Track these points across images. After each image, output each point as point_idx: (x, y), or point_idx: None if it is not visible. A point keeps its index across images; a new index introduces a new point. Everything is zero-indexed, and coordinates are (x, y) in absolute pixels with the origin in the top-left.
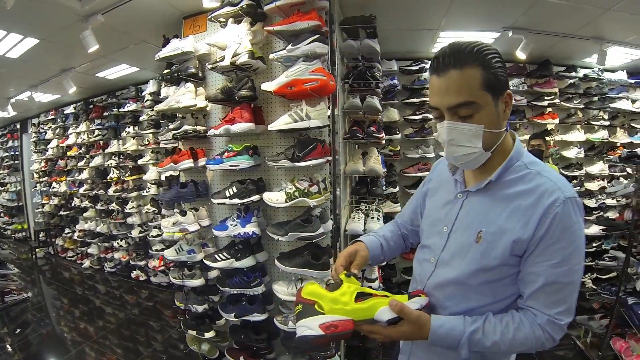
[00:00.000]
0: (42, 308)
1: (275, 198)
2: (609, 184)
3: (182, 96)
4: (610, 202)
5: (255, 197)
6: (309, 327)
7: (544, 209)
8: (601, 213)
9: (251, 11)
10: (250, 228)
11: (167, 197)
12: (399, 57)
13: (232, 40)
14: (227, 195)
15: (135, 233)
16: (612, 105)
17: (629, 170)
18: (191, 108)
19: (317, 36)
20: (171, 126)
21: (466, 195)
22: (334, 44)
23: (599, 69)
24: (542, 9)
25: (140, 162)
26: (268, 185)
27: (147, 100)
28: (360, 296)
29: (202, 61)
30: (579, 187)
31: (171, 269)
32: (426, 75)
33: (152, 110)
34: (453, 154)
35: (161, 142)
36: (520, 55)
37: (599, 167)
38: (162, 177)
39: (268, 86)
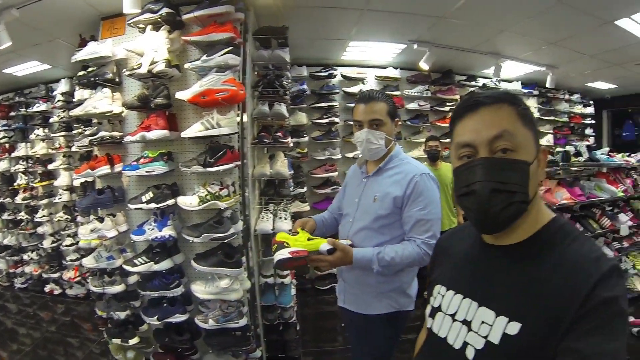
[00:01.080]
0: None
1: (188, 202)
2: None
3: (99, 102)
4: None
5: (171, 202)
6: (283, 254)
7: (409, 179)
8: None
9: (170, 19)
10: (167, 231)
11: (84, 204)
12: (310, 63)
13: (150, 48)
14: (144, 200)
15: (47, 243)
16: None
17: None
18: (107, 114)
19: (230, 48)
20: (87, 132)
21: (367, 178)
22: (247, 53)
23: (496, 79)
24: (445, 27)
25: (50, 167)
26: (182, 190)
27: (58, 100)
28: (310, 239)
29: (120, 66)
30: None
31: (90, 277)
32: (335, 80)
33: (64, 111)
34: (368, 147)
35: (76, 148)
36: (424, 65)
37: None
38: (75, 183)
39: (183, 95)
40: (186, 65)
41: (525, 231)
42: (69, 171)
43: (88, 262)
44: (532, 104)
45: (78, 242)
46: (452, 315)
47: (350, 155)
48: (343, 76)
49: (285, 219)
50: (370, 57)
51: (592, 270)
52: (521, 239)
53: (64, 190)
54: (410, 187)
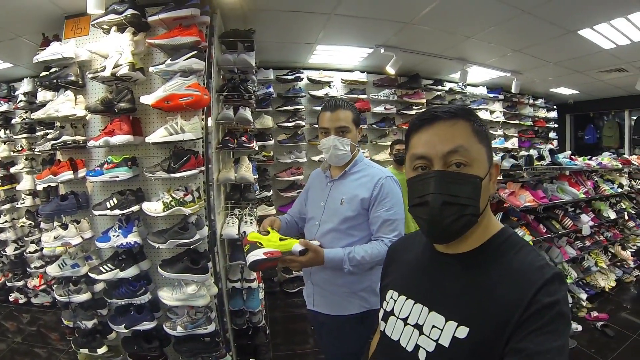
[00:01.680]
0: None
1: (153, 208)
2: None
3: (61, 105)
4: None
5: (135, 208)
6: (257, 255)
7: (376, 181)
8: None
9: (135, 21)
10: (132, 238)
11: (47, 211)
12: (276, 66)
13: (114, 50)
14: (108, 206)
15: (10, 250)
16: None
17: None
18: (70, 117)
19: (194, 52)
20: (50, 136)
21: (332, 182)
22: (212, 57)
23: (462, 83)
24: (412, 32)
25: (12, 170)
26: (147, 195)
27: (20, 100)
28: (282, 240)
29: (83, 67)
30: None
31: (55, 286)
32: (301, 84)
33: (27, 112)
34: (335, 153)
35: (38, 151)
36: (390, 70)
37: None
38: (38, 187)
39: (146, 99)
40: (150, 69)
41: (474, 241)
42: (31, 175)
43: (52, 270)
44: (497, 108)
45: (42, 248)
46: (404, 320)
47: (316, 158)
48: (309, 79)
49: (251, 223)
50: (337, 61)
51: (536, 278)
52: (471, 248)
53: (27, 195)
54: (377, 189)
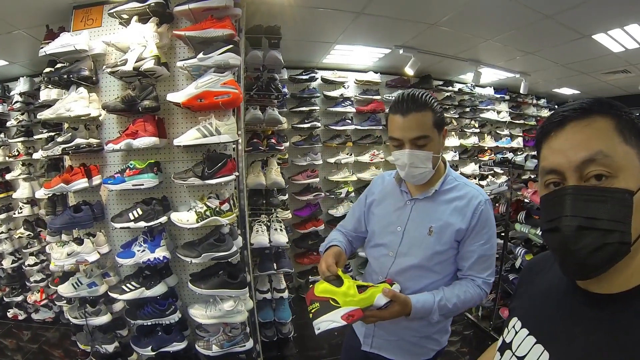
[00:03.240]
0: None
1: (185, 219)
2: (484, 183)
3: (74, 103)
4: None
5: (163, 219)
6: (333, 320)
7: (474, 207)
8: None
9: (159, 10)
10: (161, 252)
11: (59, 224)
12: (290, 65)
13: (136, 42)
14: (132, 217)
15: (6, 263)
16: (481, 115)
17: (496, 170)
18: (83, 117)
19: (230, 46)
20: (60, 139)
21: (414, 202)
22: (242, 53)
23: (471, 84)
24: (432, 34)
25: (8, 176)
26: (172, 204)
27: (16, 101)
28: (359, 288)
29: (96, 62)
30: None
31: (67, 306)
32: (315, 84)
33: (23, 114)
34: (412, 173)
35: (43, 156)
36: (409, 71)
37: (471, 168)
38: (37, 195)
39: (175, 97)
40: (179, 64)
41: (628, 279)
42: (29, 182)
43: (65, 290)
44: (504, 108)
45: (42, 261)
46: (520, 359)
47: (332, 160)
48: (323, 80)
49: (281, 230)
50: (352, 61)
51: None
52: (622, 290)
53: (25, 203)
54: (475, 217)
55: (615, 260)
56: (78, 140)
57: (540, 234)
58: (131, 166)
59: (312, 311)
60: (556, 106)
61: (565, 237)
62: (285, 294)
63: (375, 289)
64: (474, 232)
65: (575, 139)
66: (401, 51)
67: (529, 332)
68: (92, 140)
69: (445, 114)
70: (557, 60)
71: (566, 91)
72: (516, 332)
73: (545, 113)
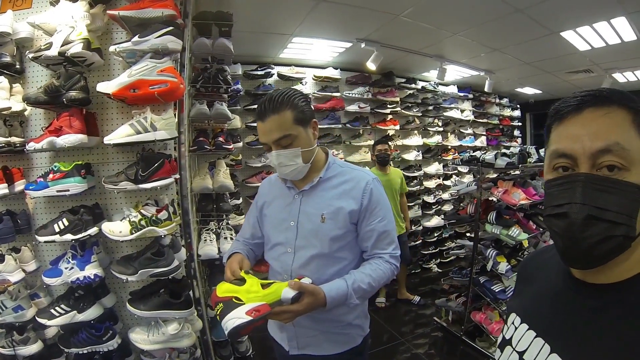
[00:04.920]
0: None
1: (117, 229)
2: (449, 182)
3: None
4: (445, 196)
5: (93, 230)
6: (237, 317)
7: (363, 188)
8: (439, 207)
9: None
10: (92, 269)
11: None
12: (245, 60)
13: (64, 23)
14: (57, 229)
15: None
16: (445, 114)
17: (460, 169)
18: (4, 112)
19: (170, 28)
20: None
21: (302, 194)
22: (186, 40)
23: (434, 82)
24: (395, 27)
25: None
26: (107, 212)
27: None
28: (264, 285)
29: (22, 48)
30: (419, 186)
31: None
32: (271, 80)
33: None
34: (285, 171)
35: None
36: (371, 66)
37: (435, 167)
38: None
39: (106, 87)
40: (111, 48)
41: (627, 269)
42: None
43: None
44: (467, 107)
45: None
46: (520, 354)
47: None
48: (280, 76)
49: (232, 238)
50: (310, 56)
51: None
52: (620, 279)
53: None
54: (366, 197)
55: (617, 253)
56: None
57: (542, 219)
58: (55, 169)
59: (218, 312)
60: (518, 106)
61: (573, 224)
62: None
63: (281, 284)
64: (367, 211)
65: (593, 126)
66: (363, 45)
67: (528, 327)
68: (14, 139)
69: (312, 107)
70: (522, 58)
71: (528, 90)
72: (516, 328)
73: (508, 112)
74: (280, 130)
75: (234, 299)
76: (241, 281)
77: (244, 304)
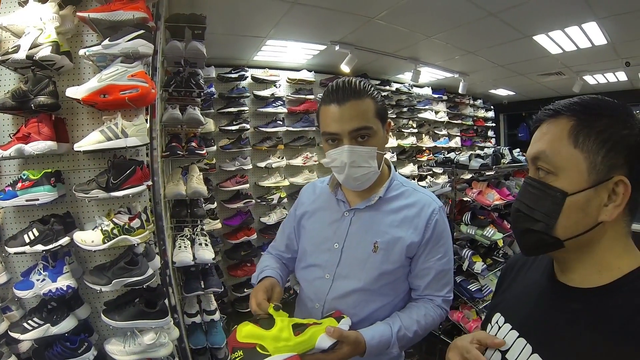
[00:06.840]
0: None
1: (89, 239)
2: (424, 183)
3: None
4: None
5: (64, 240)
6: None
7: (427, 217)
8: None
9: None
10: (64, 281)
11: None
12: (219, 63)
13: (32, 25)
14: (27, 240)
15: None
16: (419, 115)
17: (435, 170)
18: None
19: (141, 31)
20: None
21: (353, 213)
22: (158, 44)
23: (409, 84)
24: (369, 29)
25: None
26: (78, 221)
27: None
28: (296, 328)
29: None
30: None
31: None
32: (245, 83)
33: None
34: (354, 175)
35: None
36: (345, 69)
37: (409, 169)
38: None
39: (75, 92)
40: (81, 52)
41: (599, 274)
42: None
43: None
44: (442, 108)
45: None
46: (503, 353)
47: (262, 164)
48: (254, 78)
49: (206, 245)
50: (284, 59)
51: None
52: (598, 284)
53: None
54: (430, 229)
55: (546, 248)
56: None
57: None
58: (24, 177)
59: None
60: (492, 107)
61: (512, 215)
62: (217, 316)
63: (317, 329)
64: (429, 246)
65: (537, 136)
66: (337, 47)
67: (511, 327)
68: None
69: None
70: (495, 61)
71: (502, 92)
72: (499, 327)
73: (482, 113)
74: (361, 119)
75: (258, 347)
76: (269, 321)
77: (270, 355)
